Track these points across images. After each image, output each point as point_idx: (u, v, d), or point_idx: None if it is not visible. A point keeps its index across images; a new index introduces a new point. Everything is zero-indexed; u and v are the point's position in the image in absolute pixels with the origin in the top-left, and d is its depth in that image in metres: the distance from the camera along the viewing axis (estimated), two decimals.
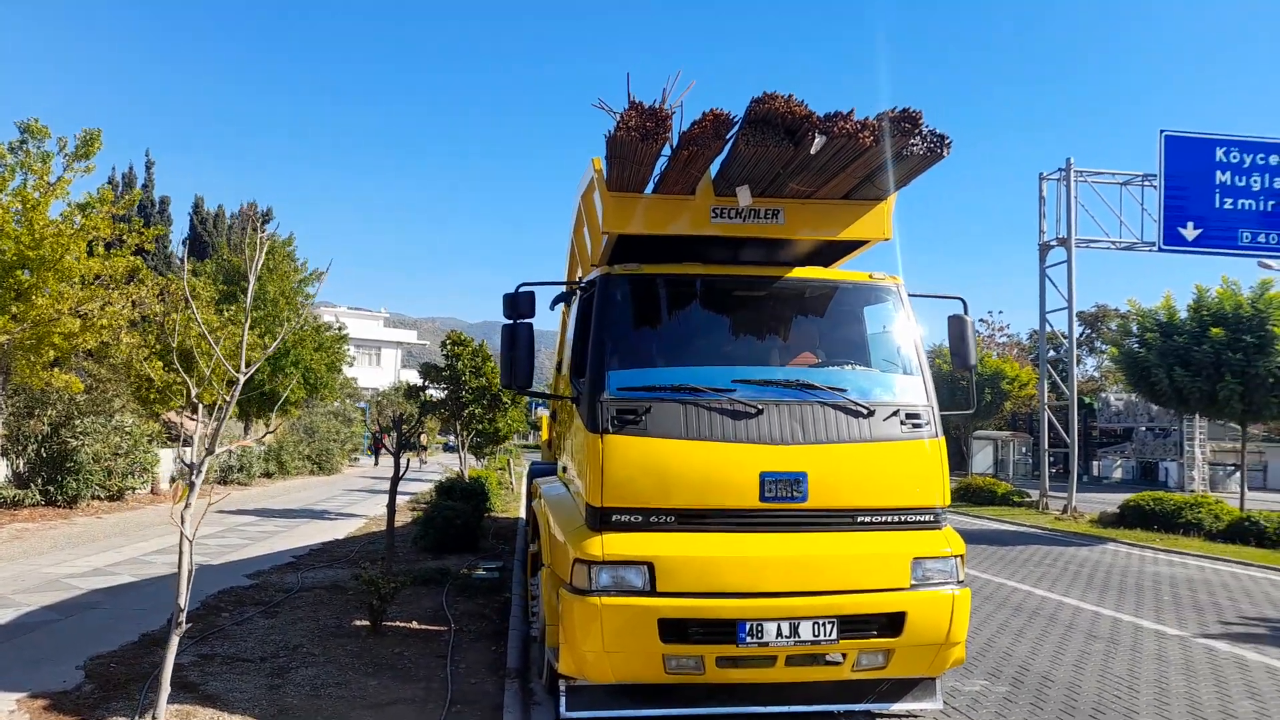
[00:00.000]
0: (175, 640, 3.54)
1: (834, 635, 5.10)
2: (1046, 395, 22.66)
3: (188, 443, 23.45)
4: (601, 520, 5.16)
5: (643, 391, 5.37)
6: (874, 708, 5.68)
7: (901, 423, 5.52)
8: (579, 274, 7.37)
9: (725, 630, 5.03)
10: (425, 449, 42.30)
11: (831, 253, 6.53)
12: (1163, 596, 10.47)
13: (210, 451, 3.72)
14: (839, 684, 5.45)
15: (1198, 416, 37.55)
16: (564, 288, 6.63)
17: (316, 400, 29.58)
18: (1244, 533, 15.31)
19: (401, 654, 7.11)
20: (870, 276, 6.11)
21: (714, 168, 5.76)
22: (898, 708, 5.69)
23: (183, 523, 3.54)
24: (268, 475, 27.14)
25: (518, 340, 5.67)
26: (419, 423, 10.78)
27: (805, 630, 5.07)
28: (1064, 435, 21.41)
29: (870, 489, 5.37)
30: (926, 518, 5.46)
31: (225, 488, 23.27)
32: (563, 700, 5.35)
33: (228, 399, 3.67)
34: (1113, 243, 22.08)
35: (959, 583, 5.39)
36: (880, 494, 5.38)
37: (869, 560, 5.22)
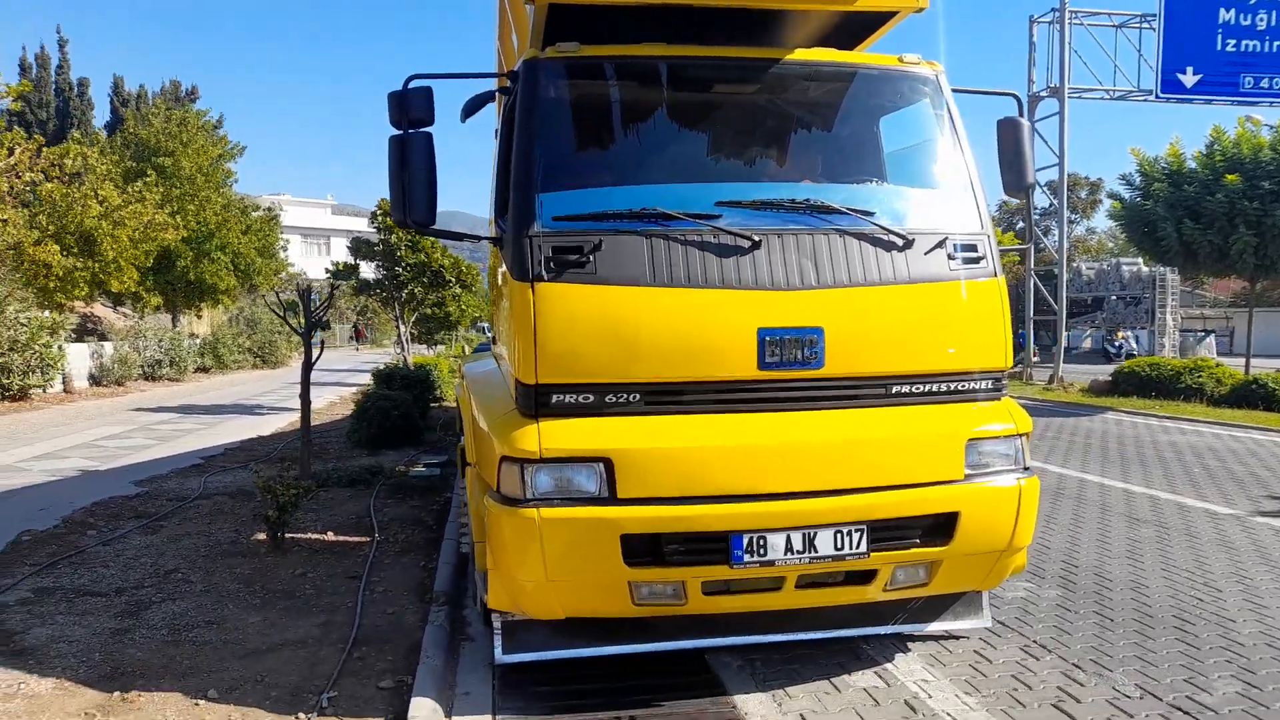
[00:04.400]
0: None
1: (863, 547, 3.73)
2: (1033, 260, 21.38)
3: (105, 337, 21.48)
4: (538, 402, 3.67)
5: (589, 221, 3.78)
6: (905, 629, 4.39)
7: (950, 256, 4.01)
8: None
9: (715, 547, 3.66)
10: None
11: (845, 32, 4.79)
12: (1191, 469, 9.35)
13: None
14: (861, 605, 4.13)
15: (1170, 283, 37.05)
16: (475, 82, 4.81)
17: (246, 289, 27.44)
18: (1250, 396, 14.30)
19: (305, 576, 5.68)
20: (900, 60, 4.43)
21: None
22: (935, 628, 4.42)
23: None
24: (203, 370, 25.29)
25: (411, 155, 3.93)
26: (330, 298, 9.17)
27: (824, 542, 3.70)
28: (1051, 302, 20.24)
29: (910, 347, 3.91)
30: (985, 384, 4.05)
31: (152, 384, 21.47)
32: (497, 640, 3.98)
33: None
34: (1107, 92, 20.44)
35: (1025, 469, 4.03)
36: (923, 354, 3.93)
37: (909, 444, 3.84)
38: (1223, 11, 19.76)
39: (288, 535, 6.43)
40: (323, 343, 9.37)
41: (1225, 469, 9.33)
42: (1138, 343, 39.73)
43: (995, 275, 4.11)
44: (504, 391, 4.14)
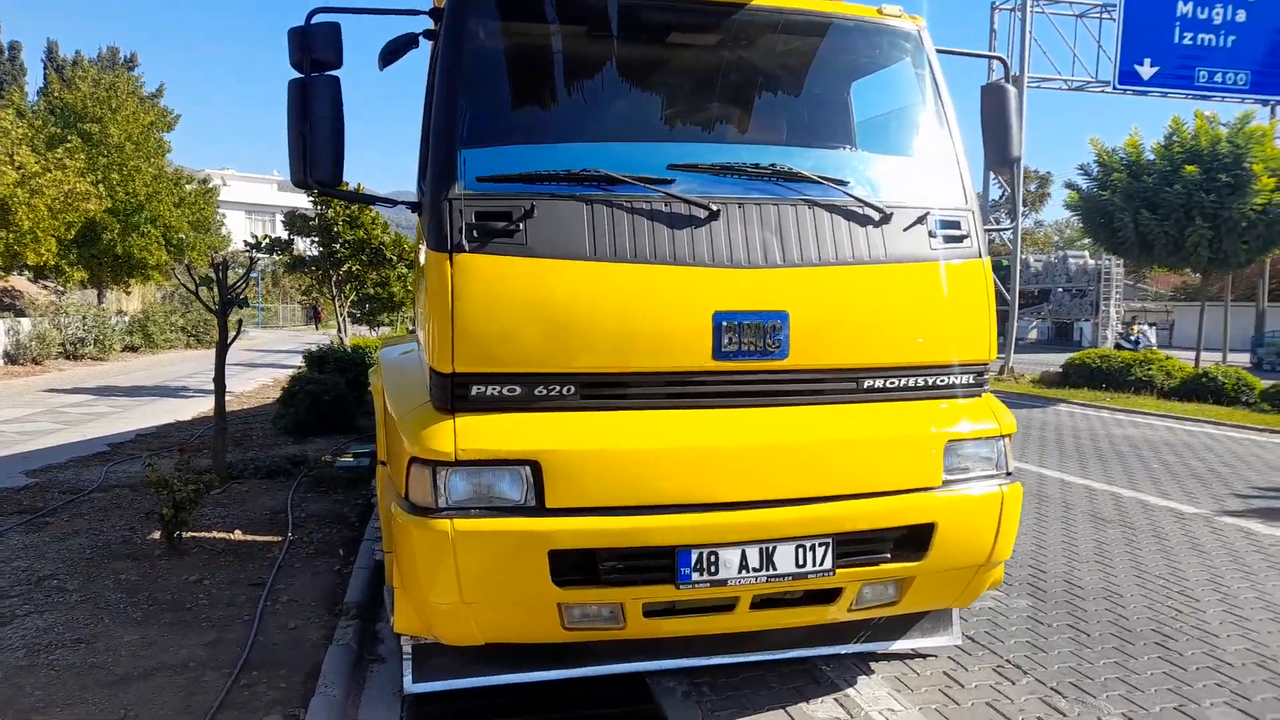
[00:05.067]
0: None
1: (828, 564, 3.27)
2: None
3: (23, 313, 20.23)
4: (455, 395, 3.13)
5: (520, 183, 3.22)
6: (869, 648, 3.95)
7: (931, 233, 3.56)
8: None
9: (659, 564, 3.18)
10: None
11: None
12: (1149, 464, 9.12)
13: None
14: (819, 624, 3.68)
15: (1114, 275, 37.76)
16: (396, 19, 4.21)
17: (184, 266, 26.22)
18: (1200, 390, 14.28)
19: (200, 583, 5.05)
20: (879, 12, 3.94)
21: None
22: (901, 645, 3.99)
23: None
24: (131, 349, 24.05)
25: (314, 103, 3.34)
26: (249, 272, 8.50)
27: (785, 558, 3.23)
28: (1004, 293, 20.15)
29: (884, 336, 3.45)
30: (966, 378, 3.61)
31: (73, 363, 20.28)
32: (406, 667, 3.44)
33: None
34: (1065, 82, 20.41)
35: (1008, 474, 3.60)
36: (899, 344, 3.48)
37: (882, 446, 3.39)
38: (1181, 4, 19.81)
39: (189, 534, 5.78)
40: (240, 322, 8.65)
41: (1183, 464, 9.13)
42: (1082, 334, 40.68)
43: (980, 256, 3.67)
44: (420, 381, 3.57)
